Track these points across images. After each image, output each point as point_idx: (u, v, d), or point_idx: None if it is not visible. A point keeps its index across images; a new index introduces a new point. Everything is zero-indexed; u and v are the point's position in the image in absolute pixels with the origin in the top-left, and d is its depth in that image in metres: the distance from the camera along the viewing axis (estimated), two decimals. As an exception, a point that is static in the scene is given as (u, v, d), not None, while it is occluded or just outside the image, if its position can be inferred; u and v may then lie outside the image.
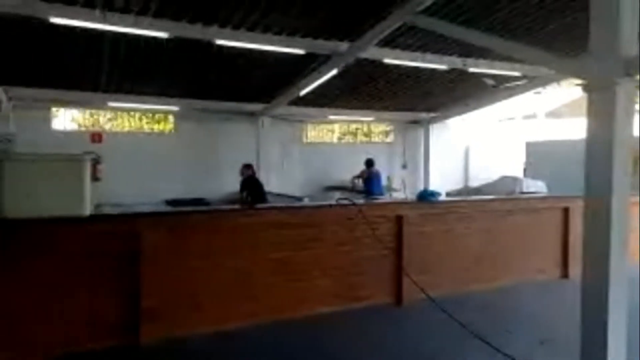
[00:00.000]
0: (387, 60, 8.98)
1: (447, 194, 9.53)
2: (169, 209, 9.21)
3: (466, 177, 15.62)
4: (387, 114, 14.34)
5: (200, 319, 4.93)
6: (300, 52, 8.15)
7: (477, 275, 6.47)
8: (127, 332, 4.67)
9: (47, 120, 11.11)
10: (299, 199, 10.31)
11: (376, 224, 5.75)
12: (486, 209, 6.94)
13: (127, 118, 12.51)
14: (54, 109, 11.22)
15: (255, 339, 4.82)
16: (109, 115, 12.24)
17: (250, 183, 9.76)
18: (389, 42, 8.24)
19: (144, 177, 11.15)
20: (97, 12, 6.29)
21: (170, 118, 12.59)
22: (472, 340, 4.51)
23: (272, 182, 11.88)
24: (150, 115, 12.61)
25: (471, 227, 6.58)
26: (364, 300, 5.77)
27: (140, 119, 12.78)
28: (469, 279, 6.38)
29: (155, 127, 12.90)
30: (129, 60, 8.44)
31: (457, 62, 9.42)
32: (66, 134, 11.31)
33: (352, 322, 5.33)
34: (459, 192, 9.98)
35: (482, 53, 9.18)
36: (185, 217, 5.35)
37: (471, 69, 9.85)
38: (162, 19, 6.67)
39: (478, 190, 9.47)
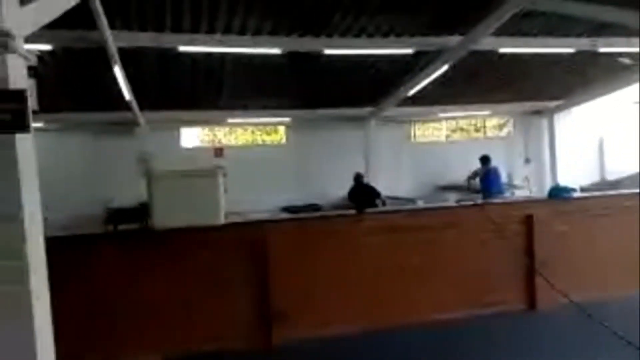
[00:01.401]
0: (503, 50, 8.41)
1: (582, 189, 8.60)
2: (285, 215, 9.59)
3: (601, 169, 13.94)
4: (504, 106, 13.40)
5: (324, 323, 5.00)
6: (409, 51, 8.01)
7: (621, 278, 5.71)
8: (259, 333, 4.90)
9: (176, 138, 12.35)
10: (412, 201, 10.09)
11: (503, 224, 5.38)
12: (631, 204, 6.11)
13: (241, 132, 13.44)
14: (182, 128, 12.43)
15: (378, 344, 4.75)
16: (226, 130, 13.25)
17: (357, 191, 9.87)
18: (505, 30, 7.71)
19: (259, 186, 11.80)
20: (218, 36, 6.85)
21: (281, 129, 13.22)
22: (630, 350, 3.95)
23: (382, 185, 11.80)
24: (262, 127, 13.37)
25: (612, 225, 5.83)
26: (493, 306, 5.41)
27: (253, 132, 13.65)
28: (612, 281, 5.65)
29: (267, 138, 13.66)
30: (246, 77, 9.04)
31: (584, 43, 8.49)
32: (192, 150, 12.44)
33: (480, 329, 5.01)
34: (596, 187, 8.93)
35: (615, 30, 8.16)
36: (308, 223, 5.50)
37: (602, 49, 8.79)
38: (276, 36, 7.03)
39: (617, 184, 8.39)
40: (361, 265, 5.18)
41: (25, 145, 2.59)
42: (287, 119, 12.50)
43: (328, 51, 7.66)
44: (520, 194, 12.35)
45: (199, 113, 11.44)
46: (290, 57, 7.90)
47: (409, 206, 8.50)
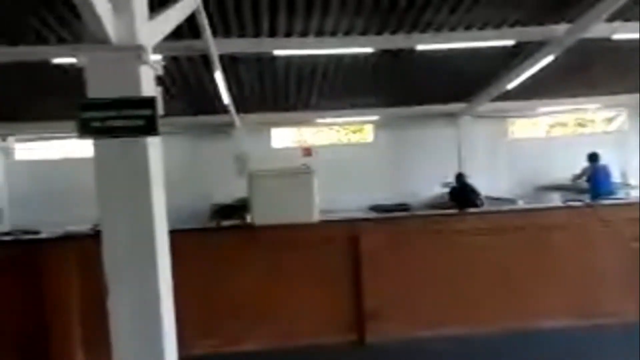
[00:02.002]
0: (616, 37, 7.64)
1: None
2: (373, 215, 9.57)
3: None
4: (616, 98, 12.16)
5: (417, 322, 4.92)
6: (510, 43, 7.57)
7: None
8: (353, 329, 4.96)
9: (268, 139, 12.86)
10: (512, 201, 9.55)
11: (619, 227, 4.91)
12: None
13: (329, 132, 13.64)
14: (272, 129, 12.92)
15: (471, 349, 4.57)
16: (314, 130, 13.53)
17: (459, 191, 9.60)
18: (620, 15, 7.00)
19: (347, 186, 11.89)
20: (311, 39, 7.03)
21: (367, 128, 13.21)
22: None
23: (477, 184, 11.32)
24: (350, 126, 13.45)
25: None
26: (603, 317, 4.95)
27: (340, 132, 13.78)
28: None
29: (352, 137, 13.72)
30: (335, 78, 9.17)
31: None
32: (282, 150, 12.88)
33: (587, 341, 4.61)
34: None
35: None
36: (400, 222, 5.44)
37: None
38: (367, 35, 7.05)
39: None
40: (459, 266, 5.01)
41: (154, 147, 2.87)
42: (375, 117, 12.46)
43: (421, 47, 7.50)
44: (636, 194, 11.13)
45: (289, 114, 11.82)
46: (381, 55, 7.87)
47: (511, 206, 8.04)
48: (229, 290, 4.77)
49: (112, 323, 2.75)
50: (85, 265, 4.51)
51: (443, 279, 5.01)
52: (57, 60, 7.35)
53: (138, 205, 2.74)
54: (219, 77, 7.85)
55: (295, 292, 4.92)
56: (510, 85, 9.70)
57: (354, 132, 13.71)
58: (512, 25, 7.19)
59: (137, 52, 2.65)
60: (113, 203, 2.74)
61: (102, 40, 2.57)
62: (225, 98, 9.06)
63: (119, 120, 2.68)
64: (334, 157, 12.38)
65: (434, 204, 10.89)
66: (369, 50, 7.40)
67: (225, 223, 8.35)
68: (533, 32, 7.38)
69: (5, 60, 7.23)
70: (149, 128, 2.73)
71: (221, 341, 4.58)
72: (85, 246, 4.70)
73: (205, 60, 7.54)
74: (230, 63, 8.01)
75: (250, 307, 4.75)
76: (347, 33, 6.99)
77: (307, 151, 12.42)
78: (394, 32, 7.12)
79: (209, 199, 11.14)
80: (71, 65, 7.74)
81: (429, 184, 11.35)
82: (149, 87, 2.83)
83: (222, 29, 6.84)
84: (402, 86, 10.28)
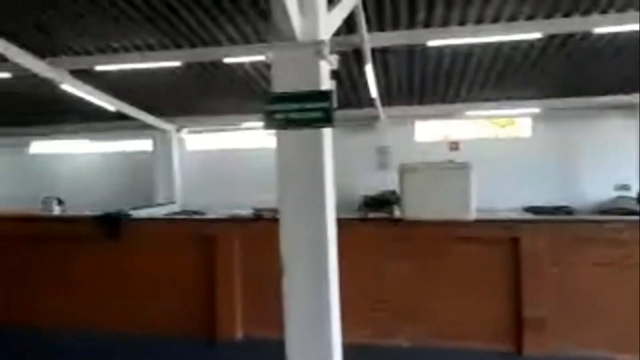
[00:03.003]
0: None
1: None
2: (529, 216, 8.79)
3: None
4: None
5: (587, 338, 4.39)
6: None
7: None
8: (508, 339, 4.62)
9: (411, 132, 12.66)
10: None
11: None
12: None
13: (478, 125, 12.80)
14: (416, 122, 12.66)
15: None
16: (459, 124, 12.84)
17: None
18: None
19: (497, 183, 11.10)
20: (470, 27, 6.67)
21: (523, 121, 12.11)
22: None
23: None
24: (497, 120, 12.47)
25: None
26: None
27: (486, 126, 12.84)
28: None
29: (506, 132, 12.68)
30: (491, 68, 8.61)
31: None
32: (427, 144, 12.55)
33: None
34: None
35: None
36: (567, 226, 4.89)
37: None
38: (534, 20, 6.44)
39: None
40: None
41: (328, 138, 3.01)
42: (534, 110, 11.37)
43: (598, 30, 6.60)
44: None
45: (435, 107, 11.47)
46: (548, 41, 7.12)
47: None
48: (377, 282, 4.82)
49: (286, 302, 2.96)
50: (246, 246, 4.99)
51: (622, 293, 4.39)
52: (228, 60, 8.19)
53: (314, 192, 2.89)
54: (369, 70, 7.94)
55: (446, 291, 4.77)
56: None
57: (503, 126, 12.70)
58: None
59: (318, 47, 2.79)
60: (292, 190, 2.94)
61: (288, 37, 2.76)
62: (373, 91, 9.14)
63: (299, 112, 2.86)
64: (482, 152, 11.68)
65: (605, 209, 9.54)
66: (535, 36, 6.75)
67: (372, 215, 8.45)
68: None
69: (185, 61, 8.30)
70: (326, 119, 2.86)
71: (372, 332, 4.67)
72: (247, 229, 5.19)
73: (356, 54, 7.69)
74: (380, 56, 8.04)
75: (398, 302, 4.77)
76: (511, 19, 6.47)
77: (454, 145, 11.93)
78: (567, 15, 6.38)
79: (351, 191, 11.40)
80: (238, 64, 8.60)
81: (598, 186, 9.99)
82: (325, 81, 2.96)
83: (376, 23, 6.89)
84: (569, 75, 9.20)
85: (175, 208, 12.96)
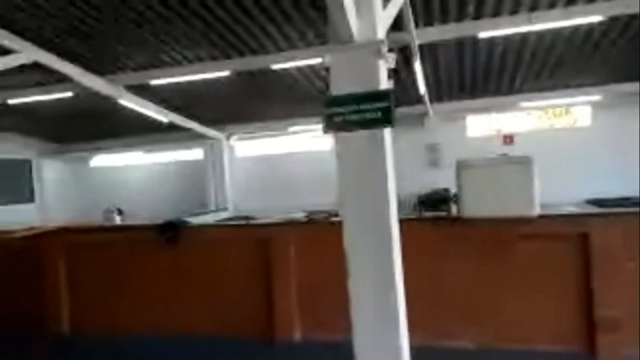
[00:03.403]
0: None
1: None
2: (593, 209, 8.32)
3: None
4: None
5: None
6: None
7: None
8: (579, 340, 4.38)
9: (462, 128, 12.31)
10: None
11: None
12: None
13: (533, 117, 12.24)
14: (467, 117, 12.30)
15: None
16: (516, 116, 12.33)
17: None
18: None
19: (555, 176, 10.50)
20: (523, 15, 6.41)
21: (581, 110, 11.47)
22: None
23: None
24: (552, 110, 11.86)
25: None
26: None
27: (540, 117, 12.24)
28: None
29: (564, 122, 12.05)
30: (548, 56, 8.23)
31: None
32: (479, 139, 12.16)
33: None
34: None
35: None
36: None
37: None
38: (594, 3, 6.10)
39: None
40: None
41: (388, 138, 2.97)
42: (594, 98, 10.75)
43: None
44: None
45: (487, 100, 11.11)
46: (610, 24, 6.72)
47: None
48: (437, 283, 4.72)
49: (352, 304, 2.95)
50: (301, 249, 5.01)
51: None
52: (275, 66, 8.31)
53: (377, 194, 2.86)
54: (417, 67, 7.80)
55: (510, 291, 4.61)
56: None
57: (559, 116, 12.07)
58: None
59: (377, 46, 2.76)
60: (354, 192, 2.92)
61: (346, 39, 2.75)
62: (422, 88, 8.98)
63: (359, 113, 2.84)
64: (538, 145, 11.13)
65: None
66: (595, 19, 6.39)
67: (427, 214, 8.30)
68: None
69: (234, 70, 8.49)
70: (386, 120, 2.83)
71: (435, 334, 4.56)
72: (302, 232, 5.23)
73: (403, 51, 7.58)
74: (429, 51, 7.89)
75: (460, 303, 4.64)
76: (569, 2, 6.16)
77: (509, 139, 11.50)
78: (633, -6, 6.00)
79: (402, 190, 11.20)
80: (285, 69, 8.71)
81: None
82: (384, 80, 2.92)
83: (423, 18, 6.76)
84: (633, 58, 8.61)
85: (228, 214, 13.27)
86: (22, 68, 7.61)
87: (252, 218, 11.49)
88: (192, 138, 13.64)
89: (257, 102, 11.23)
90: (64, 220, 12.01)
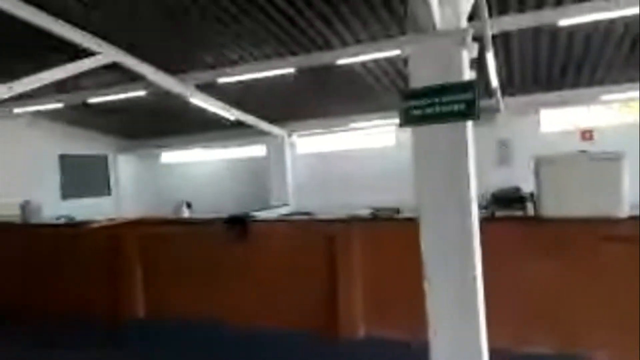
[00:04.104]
0: None
1: None
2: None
3: None
4: None
5: None
6: None
7: None
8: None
9: (535, 123, 11.61)
10: None
11: None
12: None
13: (605, 111, 11.26)
14: (541, 112, 11.57)
15: None
16: (594, 110, 11.43)
17: None
18: None
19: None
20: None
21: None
22: None
23: None
24: (633, 104, 10.75)
25: None
26: None
27: (620, 110, 11.18)
28: None
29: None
30: (637, 43, 7.53)
31: None
32: (554, 135, 11.41)
33: None
34: None
35: None
36: None
37: None
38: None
39: None
40: None
41: (470, 132, 2.80)
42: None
43: None
44: None
45: (563, 93, 10.39)
46: None
47: None
48: (511, 285, 4.46)
49: (429, 305, 2.83)
50: (367, 246, 4.92)
51: None
52: (340, 62, 8.24)
53: (457, 191, 2.71)
54: (490, 58, 7.40)
55: (590, 296, 4.27)
56: None
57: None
58: None
59: (461, 35, 2.61)
60: (432, 190, 2.78)
61: (428, 28, 2.62)
62: (494, 81, 8.53)
63: (440, 106, 2.70)
64: (620, 140, 10.23)
65: None
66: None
67: (500, 213, 7.90)
68: None
69: (299, 67, 8.52)
70: (470, 112, 2.67)
71: (509, 337, 4.33)
72: (367, 229, 5.13)
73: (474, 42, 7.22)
74: (502, 42, 7.47)
75: (536, 306, 4.36)
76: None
77: (588, 135, 10.69)
78: None
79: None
80: (349, 65, 8.62)
81: None
82: (466, 71, 2.76)
83: (498, 6, 6.41)
84: None
85: (289, 210, 13.43)
86: (101, 69, 8.10)
87: (313, 214, 11.54)
88: (256, 135, 13.92)
89: (318, 98, 11.24)
90: (138, 212, 12.71)
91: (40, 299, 6.28)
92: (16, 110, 11.66)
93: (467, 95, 2.65)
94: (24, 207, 7.12)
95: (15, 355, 5.02)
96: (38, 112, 12.31)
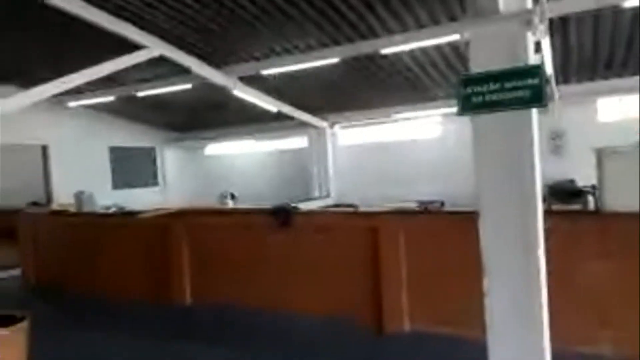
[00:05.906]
0: None
1: None
2: None
3: None
4: None
5: None
6: None
7: None
8: None
9: (592, 112, 10.97)
10: None
11: None
12: None
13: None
14: (599, 101, 10.91)
15: None
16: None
17: None
18: None
19: None
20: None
21: None
22: None
23: None
24: None
25: None
26: None
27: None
28: None
29: None
30: None
31: None
32: (612, 125, 10.73)
33: None
34: None
35: None
36: None
37: None
38: None
39: None
40: None
41: (535, 120, 2.61)
42: None
43: None
44: None
45: (625, 80, 9.73)
46: None
47: None
48: (572, 282, 4.22)
49: (489, 303, 2.69)
50: (412, 239, 4.75)
51: None
52: (385, 51, 8.04)
53: (521, 184, 2.55)
54: (545, 44, 6.99)
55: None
56: None
57: None
58: None
59: (527, 16, 2.43)
60: (493, 183, 2.63)
61: (491, 10, 2.46)
62: (549, 68, 8.09)
63: (504, 92, 2.53)
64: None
65: None
66: None
67: (555, 207, 7.53)
68: None
69: (343, 57, 8.39)
70: (536, 99, 2.48)
71: (567, 337, 4.11)
72: (412, 222, 4.98)
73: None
74: (558, 26, 7.05)
75: (596, 306, 4.09)
76: None
77: (651, 124, 9.98)
78: None
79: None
80: (394, 54, 8.41)
81: None
82: (531, 55, 2.58)
83: (555, -12, 6.06)
84: None
85: (330, 201, 13.38)
86: (148, 62, 8.28)
87: (355, 206, 11.41)
88: (298, 127, 13.92)
89: (361, 89, 11.06)
90: (184, 202, 13.04)
91: (90, 283, 6.56)
92: (70, 104, 12.19)
93: (533, 81, 2.47)
94: (78, 196, 7.41)
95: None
96: (89, 106, 12.81)
